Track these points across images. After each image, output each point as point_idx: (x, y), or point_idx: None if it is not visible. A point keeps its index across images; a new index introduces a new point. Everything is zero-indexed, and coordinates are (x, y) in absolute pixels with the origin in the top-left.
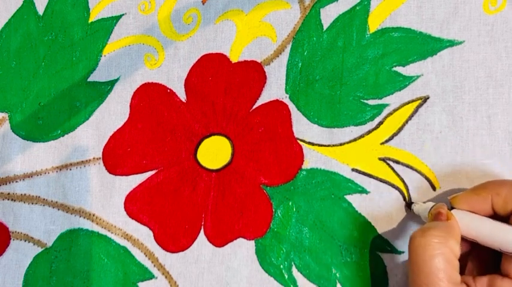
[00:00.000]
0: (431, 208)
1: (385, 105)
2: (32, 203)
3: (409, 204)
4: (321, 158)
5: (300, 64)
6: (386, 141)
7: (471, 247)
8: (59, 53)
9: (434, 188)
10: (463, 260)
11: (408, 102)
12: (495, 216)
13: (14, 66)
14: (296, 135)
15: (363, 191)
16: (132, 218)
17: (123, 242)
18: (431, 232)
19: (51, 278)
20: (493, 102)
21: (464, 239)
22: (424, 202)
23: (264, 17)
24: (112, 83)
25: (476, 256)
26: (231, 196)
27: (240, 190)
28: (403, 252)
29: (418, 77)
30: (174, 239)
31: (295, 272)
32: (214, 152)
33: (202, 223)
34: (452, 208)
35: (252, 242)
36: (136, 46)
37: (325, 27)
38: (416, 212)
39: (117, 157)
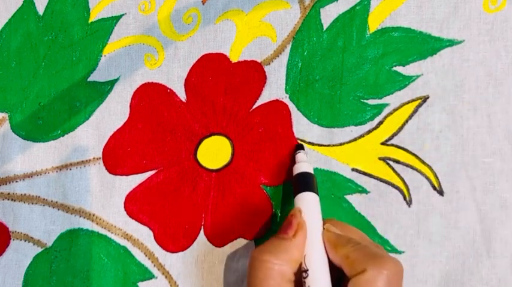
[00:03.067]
0: (294, 178)
1: (385, 105)
2: (32, 203)
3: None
4: (321, 158)
5: (300, 64)
6: (387, 141)
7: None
8: (59, 53)
9: (434, 188)
10: None
11: (408, 102)
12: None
13: (14, 66)
14: (296, 135)
15: (363, 191)
16: (132, 218)
17: (123, 242)
18: (264, 256)
19: (51, 278)
20: (493, 101)
21: None
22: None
23: (264, 17)
24: (112, 83)
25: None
26: (231, 196)
27: (240, 190)
28: (403, 252)
29: (418, 76)
30: (174, 239)
31: None
32: (214, 152)
33: (202, 223)
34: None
35: (252, 242)
36: (136, 46)
37: (325, 27)
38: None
39: (117, 156)
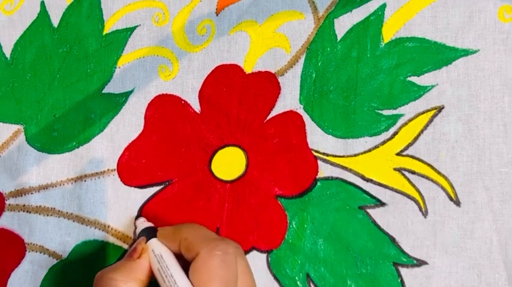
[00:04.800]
0: (138, 233)
1: (400, 116)
2: (47, 215)
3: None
4: (335, 169)
5: (314, 75)
6: (402, 151)
7: None
8: (74, 65)
9: (450, 198)
10: None
11: (423, 112)
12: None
13: (29, 78)
14: (310, 146)
15: (378, 202)
16: None
17: None
18: (109, 274)
19: None
20: (509, 111)
21: None
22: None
23: (278, 27)
24: (126, 95)
25: None
26: (245, 207)
27: (254, 201)
28: (418, 263)
29: (432, 86)
30: None
31: (310, 283)
32: (229, 163)
33: (217, 234)
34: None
35: (267, 254)
36: (150, 58)
37: (339, 38)
38: (137, 228)
39: (132, 168)
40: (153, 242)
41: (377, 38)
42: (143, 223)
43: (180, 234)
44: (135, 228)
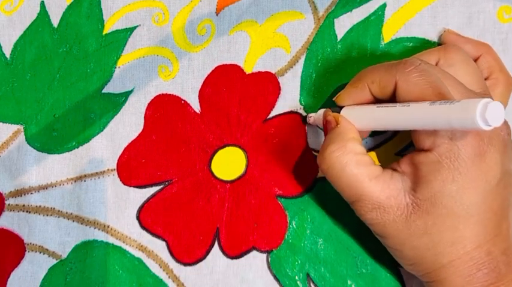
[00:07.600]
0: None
1: None
2: (47, 215)
3: (305, 117)
4: None
5: (314, 75)
6: (401, 151)
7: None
8: (74, 65)
9: None
10: None
11: None
12: (378, 101)
13: (29, 78)
14: (310, 146)
15: None
16: (147, 230)
17: (137, 253)
18: (328, 149)
19: None
20: (508, 111)
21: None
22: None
23: (278, 27)
24: (126, 95)
25: None
26: (245, 207)
27: (254, 201)
28: None
29: None
30: (189, 251)
31: (310, 283)
32: (229, 163)
33: (217, 235)
34: (341, 107)
35: (267, 254)
36: (150, 57)
37: (339, 38)
38: (314, 124)
39: (131, 168)
40: (345, 111)
41: (377, 38)
42: (319, 112)
43: (363, 82)
44: (311, 120)
